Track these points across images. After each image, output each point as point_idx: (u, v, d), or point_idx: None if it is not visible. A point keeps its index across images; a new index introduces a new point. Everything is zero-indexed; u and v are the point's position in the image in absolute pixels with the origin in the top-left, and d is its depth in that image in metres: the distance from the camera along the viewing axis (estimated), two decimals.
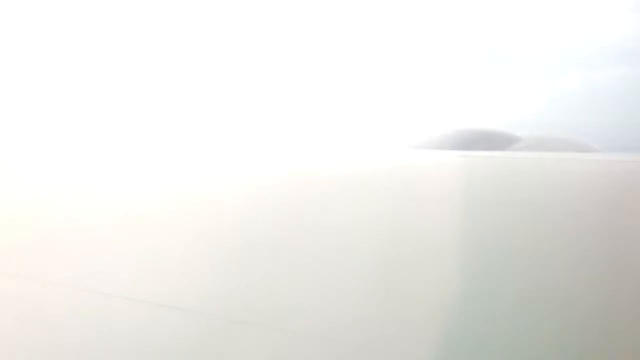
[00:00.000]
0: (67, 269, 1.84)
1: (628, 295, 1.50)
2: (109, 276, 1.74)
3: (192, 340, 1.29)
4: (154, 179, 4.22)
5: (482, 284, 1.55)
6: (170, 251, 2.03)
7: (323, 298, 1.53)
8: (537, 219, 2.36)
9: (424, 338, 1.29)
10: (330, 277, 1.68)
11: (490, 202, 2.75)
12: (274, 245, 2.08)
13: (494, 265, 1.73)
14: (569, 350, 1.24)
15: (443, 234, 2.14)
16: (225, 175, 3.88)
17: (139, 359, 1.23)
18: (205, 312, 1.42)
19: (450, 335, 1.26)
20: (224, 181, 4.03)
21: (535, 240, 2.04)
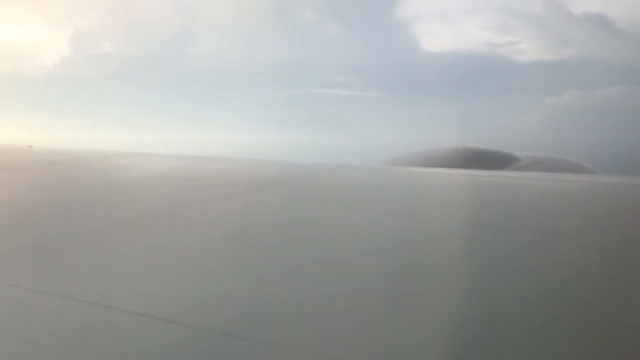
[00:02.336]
0: (57, 278, 1.93)
1: (630, 315, 1.60)
2: (99, 285, 1.83)
3: (183, 353, 1.38)
4: (147, 182, 4.28)
5: (482, 304, 1.68)
6: (162, 260, 2.15)
7: (323, 312, 1.62)
8: (535, 238, 2.46)
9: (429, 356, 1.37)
10: (329, 291, 1.77)
11: (489, 221, 2.90)
12: (271, 255, 2.19)
13: (494, 284, 1.85)
14: None
15: (442, 252, 2.24)
16: (223, 182, 3.94)
17: None
18: (197, 325, 1.51)
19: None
20: (221, 188, 4.06)
21: (533, 258, 2.15)
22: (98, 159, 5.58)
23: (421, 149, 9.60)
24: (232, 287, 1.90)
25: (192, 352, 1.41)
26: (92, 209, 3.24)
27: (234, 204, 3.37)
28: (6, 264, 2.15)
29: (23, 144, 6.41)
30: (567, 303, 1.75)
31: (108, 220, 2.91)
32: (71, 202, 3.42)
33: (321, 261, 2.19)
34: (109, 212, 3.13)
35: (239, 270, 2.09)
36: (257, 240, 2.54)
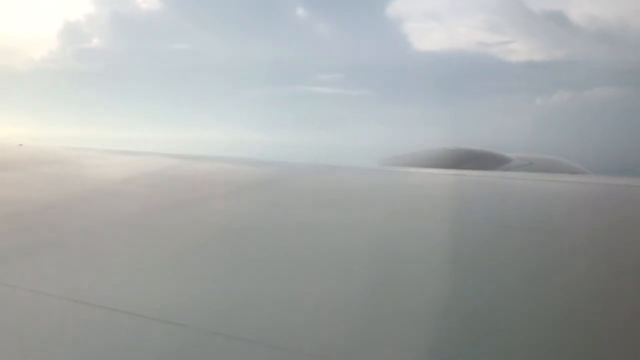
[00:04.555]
0: (49, 277, 1.90)
1: (622, 318, 1.58)
2: (91, 286, 1.81)
3: (173, 353, 1.36)
4: (137, 181, 4.26)
5: (474, 305, 1.65)
6: (154, 259, 2.13)
7: (314, 312, 1.60)
8: (525, 239, 2.46)
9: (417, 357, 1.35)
10: (322, 292, 1.76)
11: (480, 221, 2.90)
12: (262, 255, 2.17)
13: (485, 283, 1.84)
14: None
15: (434, 252, 2.24)
16: (214, 181, 3.96)
17: None
18: (189, 324, 1.49)
19: None
20: (212, 187, 4.06)
21: (524, 258, 2.16)
22: (88, 157, 5.54)
23: (414, 149, 9.61)
24: (224, 286, 1.89)
25: (185, 352, 1.40)
26: (82, 208, 3.21)
27: (225, 204, 3.36)
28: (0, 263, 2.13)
29: (13, 143, 6.35)
30: (558, 302, 1.75)
31: (98, 220, 2.89)
32: (62, 201, 3.40)
33: (313, 261, 2.18)
34: (98, 212, 3.10)
35: (231, 270, 2.08)
36: (247, 240, 2.53)
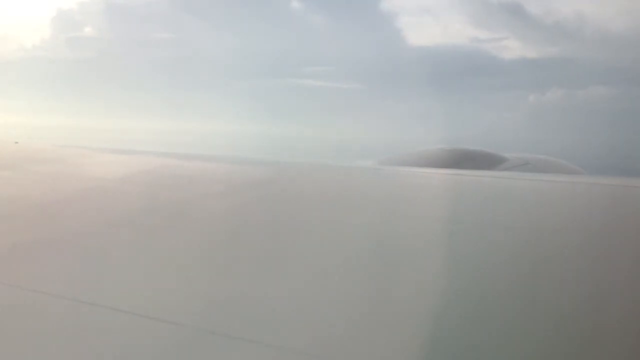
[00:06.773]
0: (50, 277, 1.89)
1: (620, 318, 1.58)
2: (90, 285, 1.81)
3: (172, 353, 1.37)
4: (133, 180, 4.25)
5: (470, 307, 1.64)
6: (152, 259, 2.13)
7: (314, 312, 1.61)
8: (521, 238, 2.48)
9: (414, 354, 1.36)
10: (319, 290, 1.77)
11: (478, 220, 2.91)
12: (260, 255, 2.17)
13: (480, 283, 1.84)
14: None
15: (430, 251, 2.24)
16: (211, 181, 3.97)
17: None
18: (187, 324, 1.50)
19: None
20: (209, 187, 4.06)
21: (520, 259, 2.15)
22: (85, 156, 5.53)
23: (411, 150, 9.63)
24: (223, 286, 1.88)
25: (183, 352, 1.39)
26: (78, 207, 3.20)
27: (222, 203, 3.36)
28: None
29: (9, 140, 6.33)
30: (554, 302, 1.76)
31: (94, 219, 2.88)
32: (58, 200, 3.38)
33: (312, 261, 2.18)
34: (95, 211, 3.09)
35: (230, 270, 2.08)
36: (247, 240, 2.53)
